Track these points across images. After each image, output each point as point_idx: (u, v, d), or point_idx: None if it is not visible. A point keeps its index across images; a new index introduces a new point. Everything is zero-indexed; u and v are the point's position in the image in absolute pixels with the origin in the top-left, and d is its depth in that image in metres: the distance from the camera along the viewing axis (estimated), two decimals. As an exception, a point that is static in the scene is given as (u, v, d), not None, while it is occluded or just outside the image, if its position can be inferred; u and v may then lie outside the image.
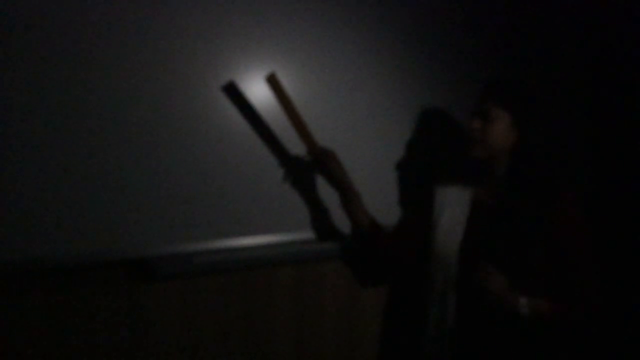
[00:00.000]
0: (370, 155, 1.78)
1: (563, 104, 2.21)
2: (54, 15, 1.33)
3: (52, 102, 1.33)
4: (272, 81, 1.53)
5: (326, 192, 1.66)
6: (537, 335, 1.49)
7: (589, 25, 2.28)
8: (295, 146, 1.62)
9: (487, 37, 2.04)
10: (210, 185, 1.52)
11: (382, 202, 1.77)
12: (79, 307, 1.39)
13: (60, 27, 1.34)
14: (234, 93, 1.55)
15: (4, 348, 1.31)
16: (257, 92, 1.58)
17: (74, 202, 1.35)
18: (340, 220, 1.67)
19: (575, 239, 1.51)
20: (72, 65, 1.35)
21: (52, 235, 1.32)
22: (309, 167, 1.62)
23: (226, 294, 1.58)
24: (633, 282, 2.13)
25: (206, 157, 1.51)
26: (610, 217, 2.20)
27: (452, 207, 1.64)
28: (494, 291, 1.45)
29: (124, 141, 1.41)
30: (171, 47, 1.47)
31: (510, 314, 1.45)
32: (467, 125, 1.59)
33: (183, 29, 1.48)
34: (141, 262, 1.44)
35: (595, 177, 2.30)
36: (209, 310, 1.56)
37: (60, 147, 1.34)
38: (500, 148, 1.56)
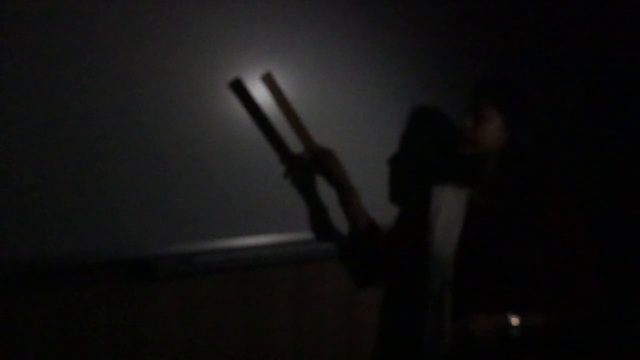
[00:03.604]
0: (368, 155, 1.78)
1: (560, 103, 2.21)
2: (56, 16, 1.33)
3: (53, 101, 1.33)
4: (268, 80, 1.53)
5: (325, 191, 1.66)
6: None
7: (588, 24, 2.28)
8: (295, 145, 1.62)
9: (485, 37, 2.04)
10: (210, 185, 1.52)
11: (380, 202, 1.77)
12: (79, 307, 1.39)
13: (62, 29, 1.34)
14: (239, 90, 1.55)
15: (4, 348, 1.31)
16: (254, 92, 1.58)
17: (74, 202, 1.35)
18: (340, 220, 1.67)
19: (572, 237, 1.52)
20: (72, 66, 1.35)
21: (52, 235, 1.32)
22: (308, 166, 1.62)
23: (226, 294, 1.58)
24: (633, 282, 2.13)
25: (206, 157, 1.51)
26: (610, 216, 2.20)
27: (449, 208, 1.64)
28: (481, 334, 1.45)
29: (123, 141, 1.41)
30: (171, 48, 1.47)
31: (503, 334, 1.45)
32: (460, 124, 1.60)
33: (183, 31, 1.48)
34: (141, 262, 1.44)
35: (594, 177, 2.30)
36: (209, 310, 1.56)
37: (60, 147, 1.34)
38: (490, 148, 1.56)
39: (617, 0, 2.27)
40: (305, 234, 1.66)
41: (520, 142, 1.55)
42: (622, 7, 2.26)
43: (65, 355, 1.38)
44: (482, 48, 2.03)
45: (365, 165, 1.76)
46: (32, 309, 1.34)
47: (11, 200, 1.29)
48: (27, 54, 1.30)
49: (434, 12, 1.92)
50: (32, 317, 1.34)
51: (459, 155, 1.59)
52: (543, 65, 2.17)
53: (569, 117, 2.25)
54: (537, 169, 1.58)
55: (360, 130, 1.77)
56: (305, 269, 1.70)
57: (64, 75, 1.34)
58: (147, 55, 1.44)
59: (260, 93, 1.58)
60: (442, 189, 1.69)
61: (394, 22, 1.84)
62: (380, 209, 1.74)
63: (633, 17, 2.26)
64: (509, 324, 1.44)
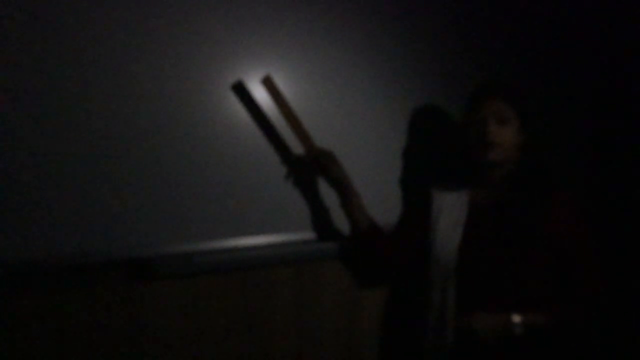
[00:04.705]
0: (368, 156, 1.78)
1: (563, 103, 2.21)
2: (59, 18, 1.34)
3: (53, 101, 1.33)
4: (268, 83, 1.54)
5: (326, 192, 1.66)
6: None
7: (590, 25, 2.28)
8: (296, 147, 1.62)
9: (485, 38, 2.04)
10: (210, 185, 1.52)
11: (381, 203, 1.77)
12: (79, 307, 1.39)
13: (63, 29, 1.34)
14: (241, 92, 1.55)
15: (4, 348, 1.31)
16: (254, 95, 1.58)
17: (73, 202, 1.35)
18: (340, 220, 1.67)
19: (574, 237, 1.52)
20: (74, 66, 1.35)
21: (52, 235, 1.32)
22: (309, 168, 1.63)
23: (226, 294, 1.58)
24: (633, 282, 2.13)
25: (206, 157, 1.51)
26: (611, 216, 2.20)
27: (450, 209, 1.64)
28: (484, 333, 1.44)
29: (124, 141, 1.41)
30: (170, 49, 1.47)
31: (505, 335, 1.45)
32: (479, 129, 1.57)
33: (183, 34, 1.49)
34: (141, 262, 1.44)
35: (595, 176, 2.30)
36: (209, 310, 1.56)
37: (60, 147, 1.34)
38: (514, 150, 1.57)
39: (617, 1, 2.27)
40: (306, 234, 1.66)
41: (534, 144, 1.56)
42: (623, 7, 2.26)
43: (65, 355, 1.38)
44: (482, 50, 2.03)
45: (365, 166, 1.75)
46: (32, 309, 1.34)
47: (11, 201, 1.29)
48: (27, 54, 1.30)
49: (435, 13, 1.92)
50: (32, 317, 1.34)
51: (485, 162, 1.57)
52: (543, 65, 2.17)
53: (569, 116, 2.25)
54: (540, 169, 1.59)
55: (360, 132, 1.77)
56: (305, 269, 1.70)
57: (64, 76, 1.34)
58: (147, 57, 1.44)
59: (261, 95, 1.58)
60: (443, 190, 1.69)
61: (394, 24, 1.84)
62: (381, 209, 1.74)
63: (633, 17, 2.25)
64: (511, 323, 1.44)
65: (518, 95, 1.58)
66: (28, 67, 1.30)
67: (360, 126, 1.77)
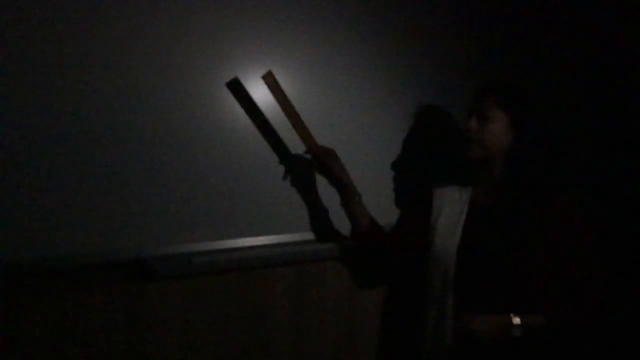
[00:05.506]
0: (369, 155, 1.78)
1: (562, 104, 2.21)
2: (59, 18, 1.33)
3: (52, 101, 1.33)
4: (269, 79, 1.53)
5: (326, 191, 1.66)
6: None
7: (589, 25, 2.28)
8: (296, 145, 1.62)
9: (485, 37, 2.03)
10: (210, 185, 1.52)
11: (381, 202, 1.77)
12: (78, 307, 1.39)
13: (61, 29, 1.34)
14: (237, 89, 1.55)
15: (4, 348, 1.31)
16: (255, 91, 1.58)
17: (73, 202, 1.35)
18: (340, 220, 1.67)
19: (573, 238, 1.52)
20: (72, 65, 1.35)
21: (52, 235, 1.32)
22: (309, 166, 1.62)
23: (226, 294, 1.58)
24: (633, 282, 2.13)
25: (206, 157, 1.51)
26: (610, 217, 2.20)
27: (450, 208, 1.63)
28: (482, 334, 1.44)
29: (123, 141, 1.41)
30: (170, 47, 1.47)
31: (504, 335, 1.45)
32: (464, 126, 1.58)
33: (181, 29, 1.48)
34: (141, 262, 1.44)
35: (594, 177, 2.30)
36: (209, 310, 1.56)
37: (60, 147, 1.34)
38: (497, 149, 1.56)
39: (617, 1, 2.27)
40: (306, 234, 1.66)
41: (525, 142, 1.55)
42: (623, 6, 2.26)
43: (64, 355, 1.38)
44: (483, 49, 2.02)
45: (366, 165, 1.75)
46: (32, 309, 1.34)
47: (11, 201, 1.29)
48: (26, 54, 1.30)
49: (436, 13, 1.92)
50: (32, 317, 1.35)
51: (465, 160, 1.57)
52: (543, 65, 2.17)
53: (570, 117, 2.25)
54: (539, 169, 1.58)
55: (362, 130, 1.77)
56: (305, 269, 1.70)
57: (64, 76, 1.34)
58: (146, 56, 1.44)
59: (260, 92, 1.58)
60: (443, 189, 1.68)
61: (396, 23, 1.83)
62: (382, 209, 1.74)
63: (633, 17, 2.25)
64: (510, 324, 1.44)
65: (508, 93, 1.57)
66: (29, 68, 1.30)
67: (361, 124, 1.77)
